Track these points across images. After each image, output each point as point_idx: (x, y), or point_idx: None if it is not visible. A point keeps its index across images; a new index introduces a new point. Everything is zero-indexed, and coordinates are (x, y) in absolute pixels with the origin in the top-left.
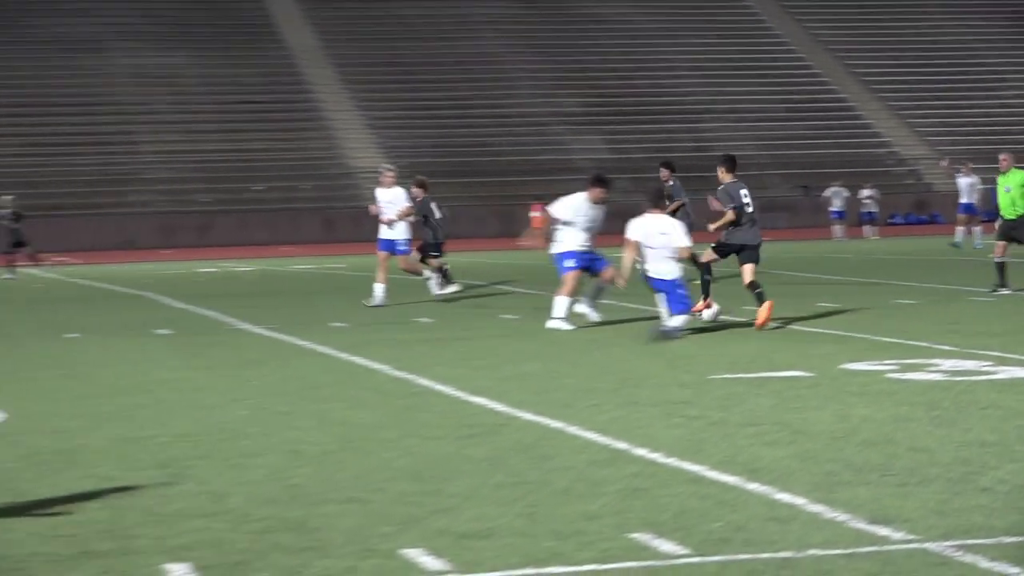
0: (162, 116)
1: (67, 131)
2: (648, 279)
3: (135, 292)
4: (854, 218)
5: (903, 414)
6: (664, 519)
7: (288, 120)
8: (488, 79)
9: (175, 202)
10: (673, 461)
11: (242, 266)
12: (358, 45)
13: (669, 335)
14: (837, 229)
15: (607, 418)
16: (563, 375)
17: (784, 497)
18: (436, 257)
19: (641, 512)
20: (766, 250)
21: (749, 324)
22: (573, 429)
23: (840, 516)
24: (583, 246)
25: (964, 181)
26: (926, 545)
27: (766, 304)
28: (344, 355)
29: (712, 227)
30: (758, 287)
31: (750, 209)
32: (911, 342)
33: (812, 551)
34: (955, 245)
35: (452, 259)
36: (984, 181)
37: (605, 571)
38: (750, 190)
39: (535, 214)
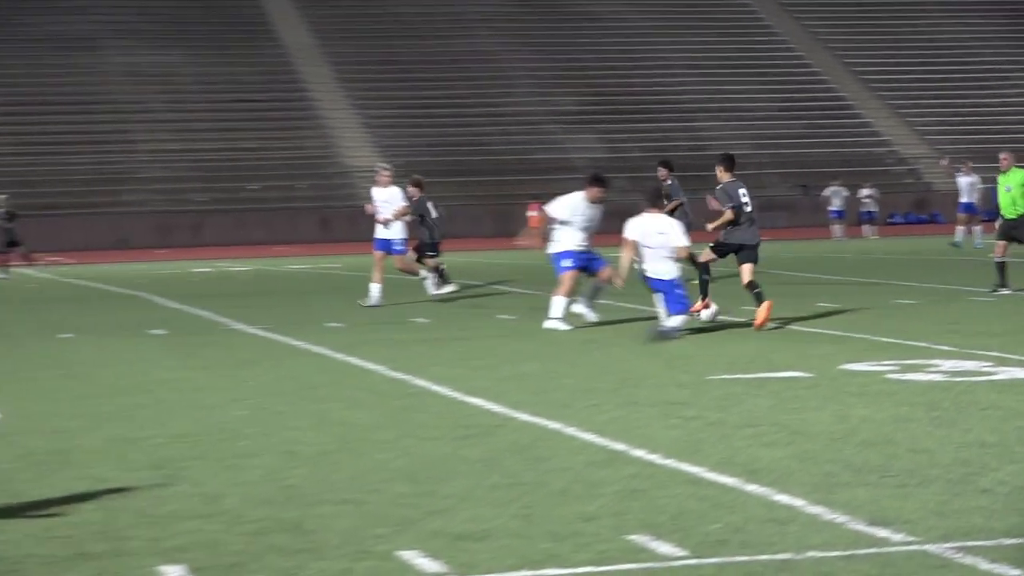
0: (157, 115)
1: (62, 130)
2: (646, 279)
3: (130, 292)
4: (853, 217)
5: (903, 415)
6: (662, 520)
7: (284, 119)
8: (484, 78)
9: (170, 201)
10: (671, 462)
11: (237, 266)
12: (354, 44)
13: (667, 335)
14: (836, 229)
15: (605, 419)
16: (560, 375)
17: (783, 498)
18: (433, 257)
19: (639, 513)
20: (765, 249)
21: (748, 324)
22: (570, 430)
23: (839, 517)
24: (580, 246)
25: (964, 180)
26: (926, 547)
27: (765, 304)
28: (340, 355)
29: (711, 227)
30: (756, 287)
31: (749, 208)
32: (911, 342)
33: (811, 553)
34: (955, 245)
35: (449, 259)
36: (984, 180)
37: (602, 573)
38: (749, 189)
39: (532, 213)
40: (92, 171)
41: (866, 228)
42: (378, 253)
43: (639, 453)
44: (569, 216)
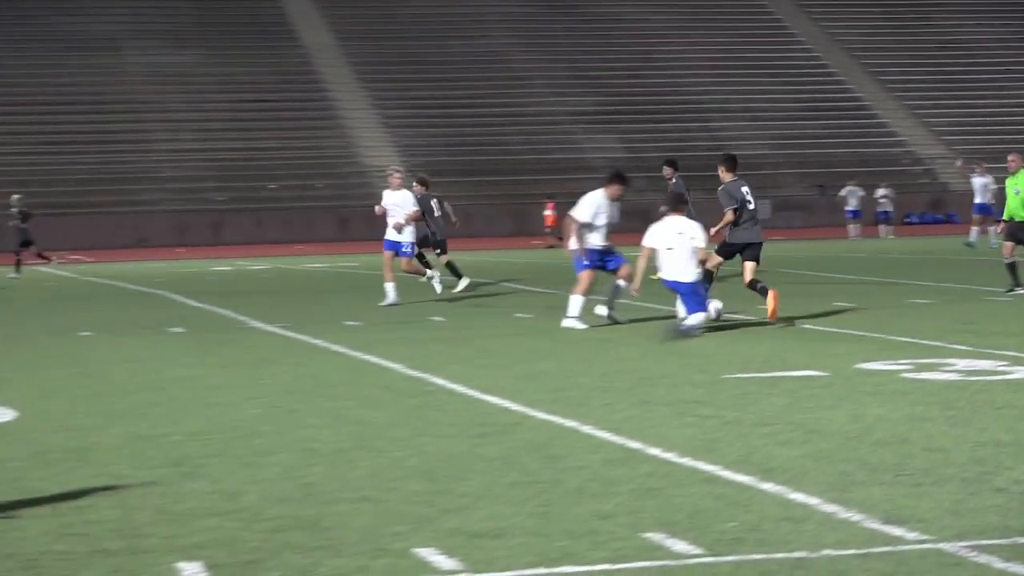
0: (176, 115)
1: (81, 130)
2: (666, 283)
3: (148, 290)
4: (870, 217)
5: (918, 414)
6: (678, 519)
7: (302, 119)
8: (503, 78)
9: (189, 200)
10: (687, 461)
11: (256, 265)
12: (373, 44)
13: (686, 333)
14: (852, 228)
15: (621, 417)
16: (577, 374)
17: (798, 497)
18: (440, 255)
19: (655, 512)
20: (781, 249)
21: (761, 323)
22: (587, 428)
23: (854, 516)
24: (598, 244)
25: (978, 181)
26: (940, 545)
27: (771, 295)
28: (357, 354)
29: (712, 230)
30: (758, 283)
31: (751, 207)
32: (926, 342)
33: (826, 551)
34: (969, 245)
35: (465, 257)
36: (998, 181)
37: (618, 571)
38: (756, 189)
39: (548, 212)
40: (111, 171)
41: (882, 228)
42: (387, 253)
43: (655, 451)
44: (592, 216)
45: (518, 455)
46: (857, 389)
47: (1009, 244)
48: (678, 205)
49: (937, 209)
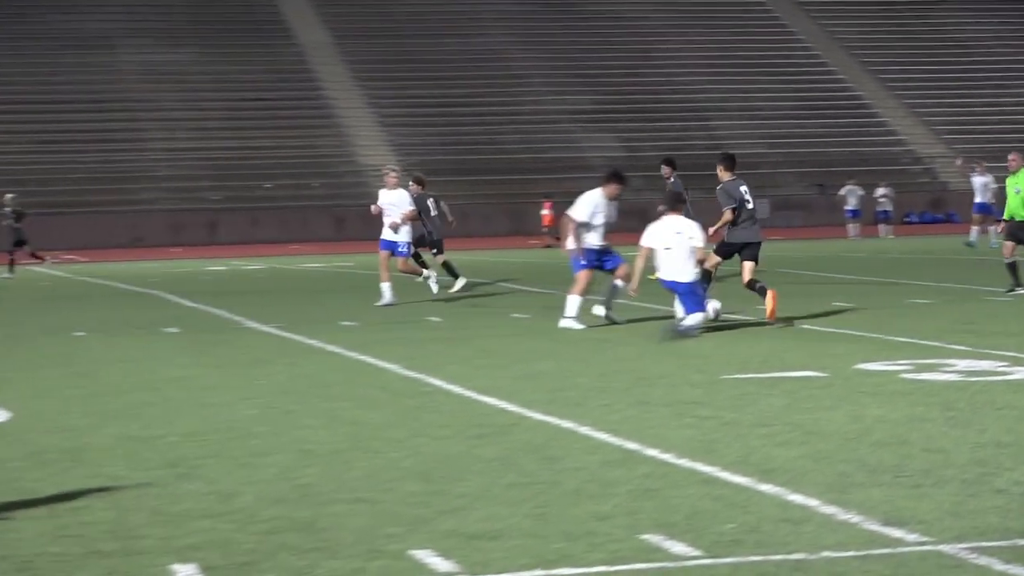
0: (172, 113)
1: (76, 128)
2: (663, 283)
3: (143, 290)
4: (869, 217)
5: (917, 414)
6: (676, 520)
7: (298, 118)
8: (499, 76)
9: (184, 200)
10: (685, 462)
11: (251, 264)
12: (369, 42)
13: (684, 334)
14: (852, 228)
15: (619, 418)
16: (575, 374)
17: (797, 498)
18: (437, 254)
19: (652, 513)
20: (780, 248)
21: (760, 324)
22: (584, 429)
23: (853, 517)
24: (596, 244)
25: (978, 180)
26: (940, 547)
27: (770, 294)
28: (353, 354)
29: (711, 230)
30: (756, 283)
31: (750, 206)
32: (926, 342)
33: (825, 553)
34: (970, 245)
35: (462, 257)
36: (999, 180)
37: (616, 572)
38: (754, 188)
39: (545, 212)
40: (106, 170)
41: (882, 227)
42: (383, 253)
43: (653, 452)
44: (590, 216)
45: (515, 456)
46: (856, 390)
47: (1009, 244)
48: (676, 204)
49: (937, 208)
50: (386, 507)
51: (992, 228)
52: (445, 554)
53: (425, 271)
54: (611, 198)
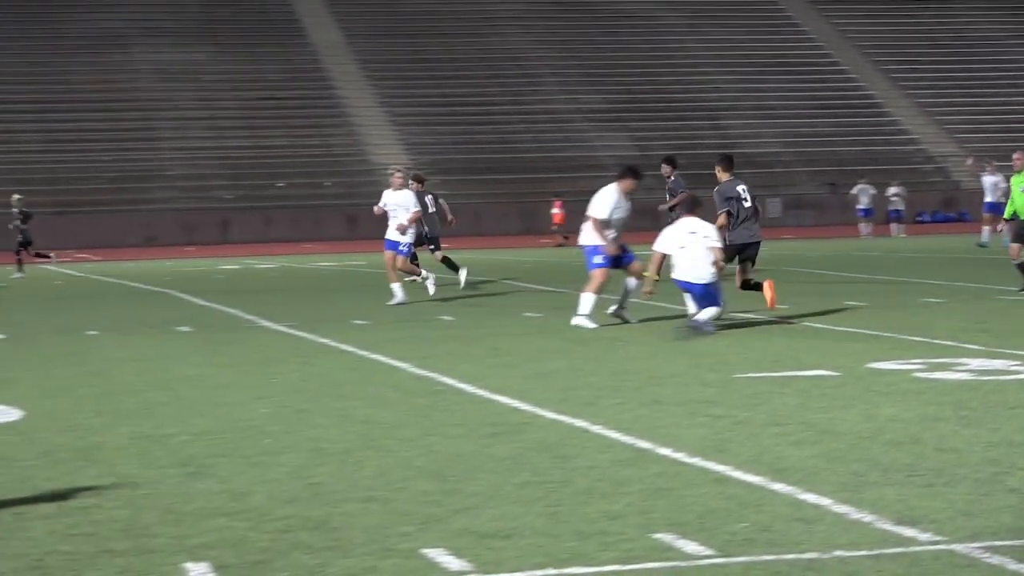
0: (185, 112)
1: (89, 128)
2: (678, 283)
3: (156, 289)
4: (881, 216)
5: (930, 414)
6: (688, 519)
7: (311, 117)
8: (512, 75)
9: (197, 199)
10: (697, 461)
11: (264, 263)
12: (383, 41)
13: (699, 329)
14: (864, 227)
15: (631, 417)
16: (587, 373)
17: (810, 497)
18: (434, 251)
19: (665, 512)
20: (792, 248)
21: (772, 322)
22: (596, 428)
23: (866, 517)
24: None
25: (989, 180)
26: (953, 546)
27: (766, 283)
28: (366, 353)
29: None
30: (750, 281)
31: (748, 204)
32: (938, 341)
33: (838, 552)
34: (982, 245)
35: (474, 256)
36: (1009, 180)
37: (628, 572)
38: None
39: (556, 211)
40: (119, 169)
41: (894, 226)
42: (388, 253)
43: (665, 451)
44: (609, 212)
45: (527, 455)
46: (869, 389)
47: (1016, 246)
48: (694, 208)
49: (949, 207)
50: (398, 506)
51: (1004, 227)
52: (457, 553)
53: (423, 272)
54: (627, 193)
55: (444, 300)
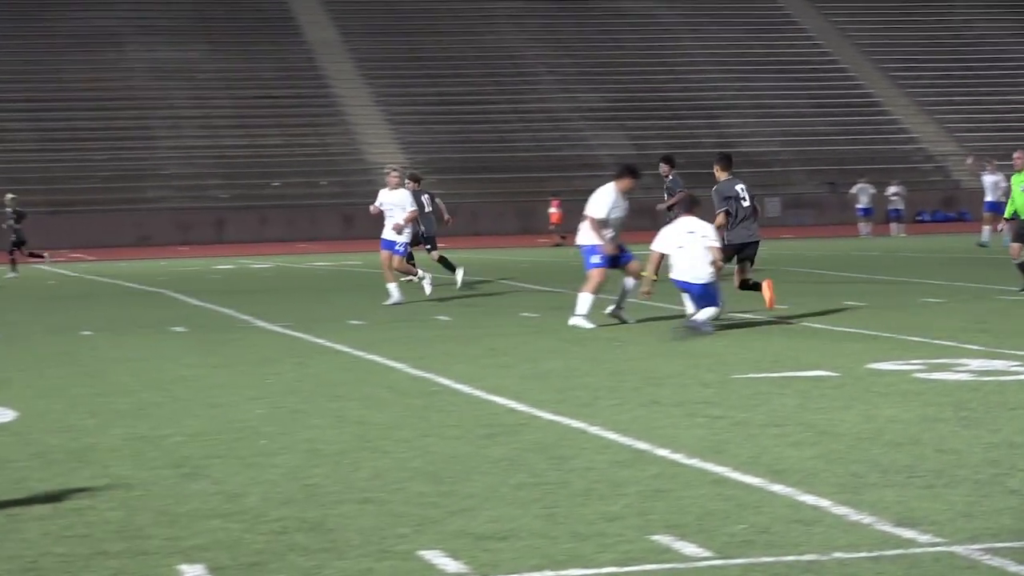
0: (180, 111)
1: (84, 126)
2: (676, 283)
3: (151, 289)
4: (881, 215)
5: (930, 415)
6: (686, 521)
7: (307, 115)
8: (509, 74)
9: (192, 198)
10: (696, 462)
11: (259, 263)
12: (378, 40)
13: (697, 329)
14: (863, 226)
15: (628, 418)
16: (584, 374)
17: (809, 499)
18: (430, 251)
19: (663, 513)
20: (792, 247)
21: (771, 322)
22: (594, 429)
23: (866, 518)
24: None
25: (989, 179)
26: (953, 548)
27: (765, 283)
28: (361, 353)
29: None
30: (748, 281)
31: (746, 203)
32: (938, 341)
33: (837, 554)
34: (982, 245)
35: (471, 256)
36: (1010, 179)
37: (626, 573)
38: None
39: (553, 210)
40: (114, 167)
41: (893, 226)
42: (384, 253)
43: (663, 452)
44: (607, 212)
45: (524, 456)
46: (869, 389)
47: (1016, 245)
48: (692, 207)
49: (949, 207)
50: (394, 507)
51: (1004, 227)
52: (454, 555)
53: (420, 272)
54: (625, 192)
55: (440, 300)
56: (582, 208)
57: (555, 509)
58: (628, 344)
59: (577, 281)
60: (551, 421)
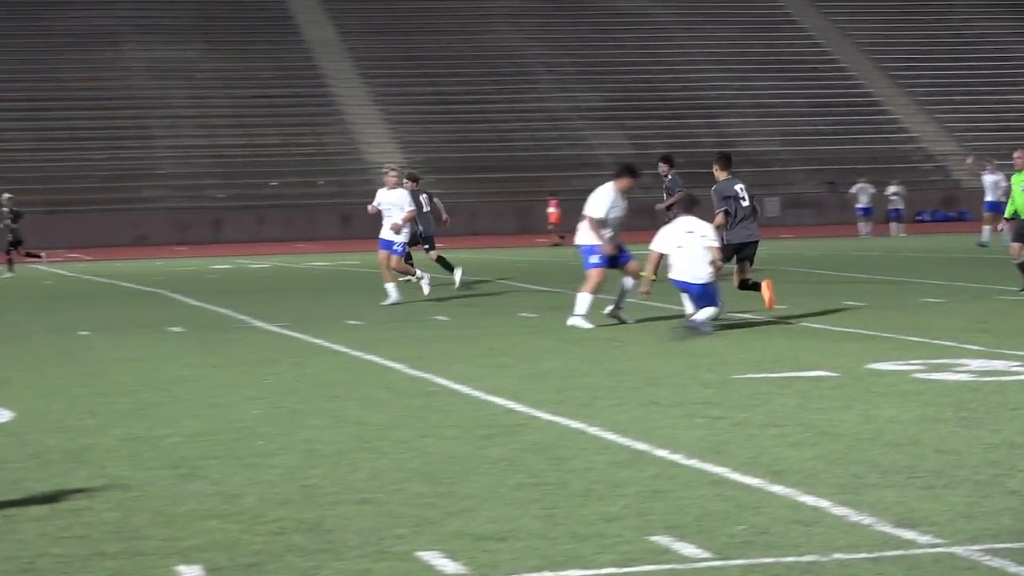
0: (177, 111)
1: (81, 125)
2: (675, 283)
3: (148, 289)
4: (881, 215)
5: (930, 415)
6: (686, 521)
7: (305, 115)
8: (507, 73)
9: (189, 198)
10: (695, 462)
11: (257, 263)
12: (376, 39)
13: (697, 328)
14: (863, 226)
15: (628, 418)
16: (583, 374)
17: (808, 499)
18: (428, 251)
19: (662, 514)
20: (791, 247)
21: (771, 322)
22: (593, 429)
23: (866, 519)
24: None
25: (989, 179)
26: (953, 549)
27: (765, 284)
28: (359, 353)
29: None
30: (748, 281)
31: (746, 203)
32: (938, 342)
33: (837, 555)
34: (983, 245)
35: (470, 256)
36: (1010, 179)
37: (625, 574)
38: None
39: (551, 210)
40: (111, 167)
41: (893, 226)
42: (382, 252)
43: (662, 453)
44: (606, 211)
45: (523, 456)
46: (868, 390)
47: (1016, 245)
48: (691, 207)
49: (949, 207)
50: (392, 508)
51: (1004, 227)
52: (452, 555)
53: (418, 272)
54: (623, 191)
55: (439, 300)
56: (581, 208)
57: (554, 510)
58: (627, 344)
59: (575, 281)
60: (550, 421)
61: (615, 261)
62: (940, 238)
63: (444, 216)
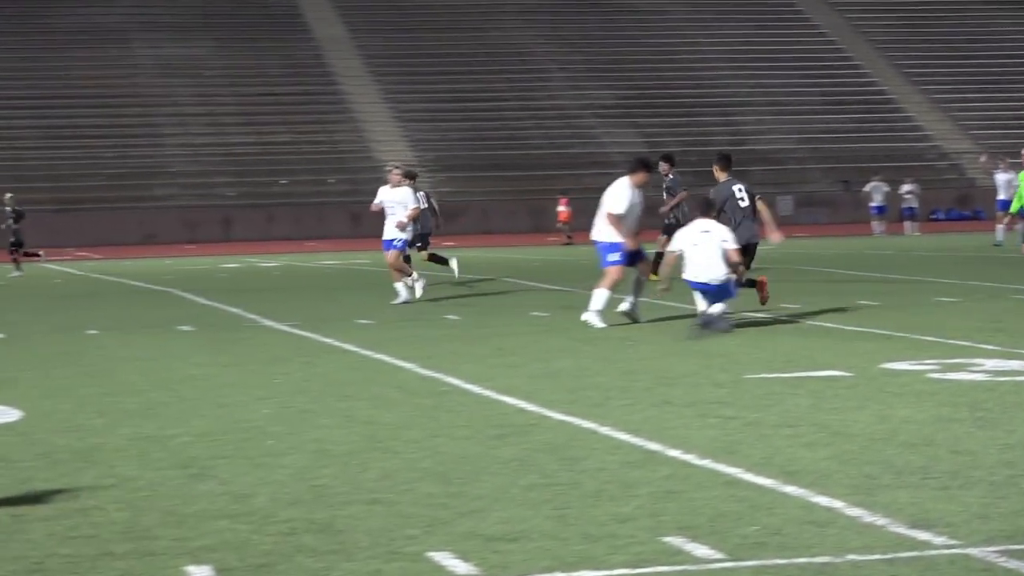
0: (186, 108)
1: (89, 124)
2: (690, 283)
3: (157, 288)
4: (895, 214)
5: (945, 415)
6: (698, 522)
7: (314, 113)
8: (519, 71)
9: (198, 196)
10: (708, 463)
11: (266, 262)
12: (386, 36)
13: (711, 324)
14: (877, 225)
15: (640, 418)
16: (595, 373)
17: (822, 500)
18: (422, 249)
19: (675, 515)
20: (805, 246)
21: (785, 321)
22: (605, 429)
23: (879, 520)
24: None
25: (1002, 177)
26: (968, 550)
27: (760, 280)
28: (369, 352)
29: None
30: (744, 281)
31: (744, 204)
32: (953, 341)
33: (850, 556)
34: (998, 244)
35: (481, 254)
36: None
37: (637, 575)
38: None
39: (562, 208)
40: (120, 165)
41: (907, 224)
42: (390, 252)
43: (675, 453)
44: (625, 207)
45: (535, 457)
46: (882, 390)
47: None
48: (707, 210)
49: (964, 205)
50: (403, 508)
51: (1018, 226)
52: (463, 556)
53: (414, 274)
54: (638, 186)
55: (449, 299)
56: (593, 206)
57: (566, 510)
58: (640, 343)
59: (588, 280)
60: (562, 421)
61: (634, 258)
62: (954, 237)
63: (439, 215)
